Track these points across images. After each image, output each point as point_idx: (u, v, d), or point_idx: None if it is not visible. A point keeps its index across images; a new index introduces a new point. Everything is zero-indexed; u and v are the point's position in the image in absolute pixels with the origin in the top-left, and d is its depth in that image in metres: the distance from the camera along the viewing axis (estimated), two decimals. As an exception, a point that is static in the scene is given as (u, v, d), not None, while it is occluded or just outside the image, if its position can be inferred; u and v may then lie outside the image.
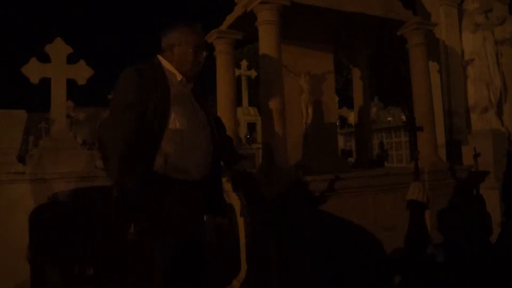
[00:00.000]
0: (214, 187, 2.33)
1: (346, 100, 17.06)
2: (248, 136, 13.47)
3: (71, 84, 4.24)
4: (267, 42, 3.52)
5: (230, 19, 4.08)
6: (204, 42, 2.33)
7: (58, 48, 4.21)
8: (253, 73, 14.95)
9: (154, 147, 2.03)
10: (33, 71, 4.11)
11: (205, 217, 3.22)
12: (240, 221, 3.53)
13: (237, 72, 13.72)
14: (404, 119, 16.60)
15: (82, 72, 4.25)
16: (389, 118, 17.15)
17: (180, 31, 2.20)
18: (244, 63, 15.24)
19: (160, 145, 2.03)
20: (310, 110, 4.36)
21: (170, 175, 2.06)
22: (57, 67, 4.18)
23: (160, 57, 2.25)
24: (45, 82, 4.18)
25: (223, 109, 4.19)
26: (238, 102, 9.67)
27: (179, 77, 2.21)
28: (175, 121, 2.07)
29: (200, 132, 2.20)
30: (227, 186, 3.42)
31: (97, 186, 3.84)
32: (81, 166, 3.99)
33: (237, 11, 3.92)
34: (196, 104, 2.28)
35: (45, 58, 4.20)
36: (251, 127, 14.20)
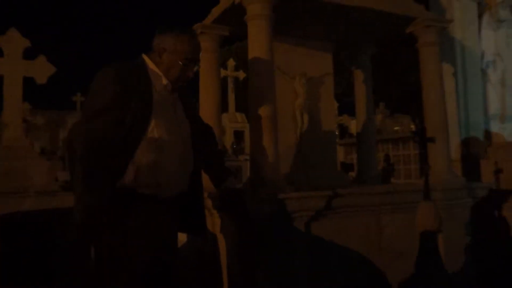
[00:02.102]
0: (193, 204, 2.35)
1: (347, 107, 17.19)
2: (234, 146, 13.49)
3: (28, 83, 4.21)
4: (257, 39, 3.53)
5: (216, 12, 4.09)
6: (198, 55, 2.36)
7: (13, 41, 4.17)
8: (241, 74, 15.02)
9: (127, 157, 2.04)
10: (-18, 66, 4.07)
11: (185, 238, 3.22)
12: (223, 241, 3.52)
13: (223, 72, 13.77)
14: (414, 129, 16.75)
15: (42, 69, 4.22)
16: (396, 128, 17.30)
17: (174, 37, 2.23)
18: (231, 63, 15.31)
19: (134, 156, 2.05)
20: (305, 118, 4.37)
21: (140, 190, 2.07)
22: (11, 63, 4.15)
23: (145, 57, 2.27)
24: (-2, 80, 4.15)
25: (206, 115, 4.17)
26: (223, 107, 9.68)
27: (164, 81, 2.24)
28: (154, 130, 2.09)
29: (181, 144, 2.23)
30: (208, 202, 3.42)
31: (58, 201, 3.80)
32: (40, 179, 3.94)
33: (224, 3, 3.93)
34: (180, 113, 2.32)
35: (-3, 52, 4.16)
36: (238, 135, 14.22)
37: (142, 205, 2.08)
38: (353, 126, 16.32)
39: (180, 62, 2.21)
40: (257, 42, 3.53)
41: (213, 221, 3.57)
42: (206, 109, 4.22)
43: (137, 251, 2.01)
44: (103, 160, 1.96)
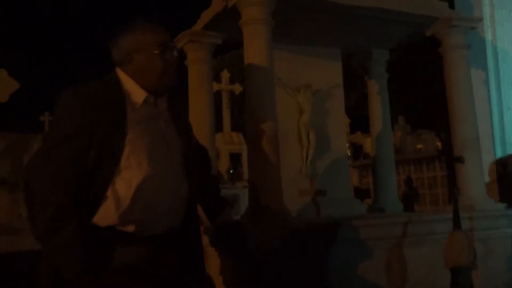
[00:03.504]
0: (188, 243, 2.31)
1: (360, 122, 17.19)
2: (231, 171, 13.47)
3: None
4: (254, 46, 3.57)
5: (206, 17, 4.13)
6: (170, 37, 2.27)
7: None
8: (237, 88, 15.06)
9: (99, 193, 2.02)
10: None
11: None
12: (220, 284, 3.50)
13: (216, 86, 13.82)
14: (439, 147, 16.79)
15: (3, 85, 4.23)
16: (419, 146, 17.32)
17: (137, 32, 2.18)
18: (225, 75, 15.36)
19: (107, 191, 2.03)
20: (312, 136, 4.38)
21: (119, 229, 2.04)
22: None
23: (118, 71, 2.20)
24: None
25: (196, 135, 4.19)
26: (217, 126, 9.74)
27: (142, 95, 2.18)
28: (129, 158, 2.05)
29: (169, 169, 2.19)
30: (203, 238, 3.41)
31: (22, 242, 3.78)
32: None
33: (216, 7, 3.98)
34: (170, 129, 2.26)
35: None
36: (235, 159, 14.20)
37: (123, 247, 2.04)
38: (368, 145, 16.32)
39: (156, 51, 2.16)
40: (255, 50, 3.56)
41: (207, 262, 3.55)
42: (197, 129, 4.22)
43: None
44: (68, 201, 1.93)
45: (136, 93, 2.18)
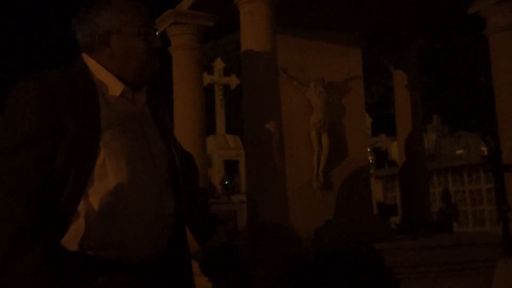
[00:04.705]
0: (176, 272, 2.31)
1: (385, 123, 17.19)
2: (226, 183, 13.47)
3: None
4: (254, 30, 3.59)
5: (194, -6, 4.15)
6: (152, 20, 2.32)
7: None
8: (233, 80, 15.08)
9: (68, 209, 2.01)
10: None
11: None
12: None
13: (208, 78, 13.83)
14: (485, 152, 16.75)
15: None
16: (459, 151, 17.30)
17: (115, 8, 2.14)
18: (218, 65, 15.38)
19: (78, 207, 2.02)
20: (324, 140, 4.39)
21: (93, 254, 2.04)
22: None
23: (86, 58, 2.19)
24: None
25: (182, 139, 4.20)
26: (209, 127, 9.72)
27: (119, 88, 2.15)
28: (105, 166, 2.03)
29: (154, 181, 2.18)
30: (193, 265, 3.41)
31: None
32: None
33: (205, -19, 4.01)
34: (152, 130, 2.25)
35: None
36: (231, 167, 14.20)
37: (98, 276, 2.04)
38: (395, 150, 16.28)
39: (141, 32, 2.14)
40: (254, 35, 3.58)
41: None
42: (183, 130, 4.23)
43: None
44: (30, 220, 1.93)
45: (111, 85, 2.15)
